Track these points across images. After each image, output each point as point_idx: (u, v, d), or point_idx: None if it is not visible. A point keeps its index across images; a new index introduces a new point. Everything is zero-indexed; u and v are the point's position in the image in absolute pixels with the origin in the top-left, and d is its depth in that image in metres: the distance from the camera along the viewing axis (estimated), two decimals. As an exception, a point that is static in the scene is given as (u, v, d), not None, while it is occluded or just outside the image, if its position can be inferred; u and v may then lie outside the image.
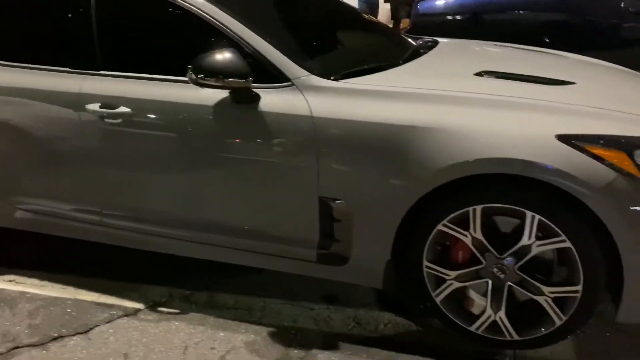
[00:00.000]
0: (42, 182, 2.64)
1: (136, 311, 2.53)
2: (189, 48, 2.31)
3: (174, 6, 2.34)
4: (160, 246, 2.57)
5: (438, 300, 2.18)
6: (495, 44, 3.19)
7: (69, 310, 2.54)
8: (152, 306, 2.56)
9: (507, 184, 1.94)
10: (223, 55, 2.13)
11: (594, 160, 1.83)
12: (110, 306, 2.56)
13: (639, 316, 1.97)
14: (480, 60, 2.75)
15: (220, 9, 2.28)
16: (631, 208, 1.83)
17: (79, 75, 2.50)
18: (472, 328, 2.15)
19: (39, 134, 2.54)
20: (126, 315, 2.50)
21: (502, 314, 2.08)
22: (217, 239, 2.44)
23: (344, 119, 2.10)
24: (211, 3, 2.30)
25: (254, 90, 2.21)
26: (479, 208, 1.99)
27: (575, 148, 1.85)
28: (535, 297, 2.02)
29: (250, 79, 2.14)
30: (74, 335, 2.37)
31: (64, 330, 2.39)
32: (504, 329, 2.09)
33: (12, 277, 2.80)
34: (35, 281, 2.76)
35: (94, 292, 2.67)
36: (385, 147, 2.05)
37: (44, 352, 2.27)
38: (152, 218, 2.52)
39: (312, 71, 2.21)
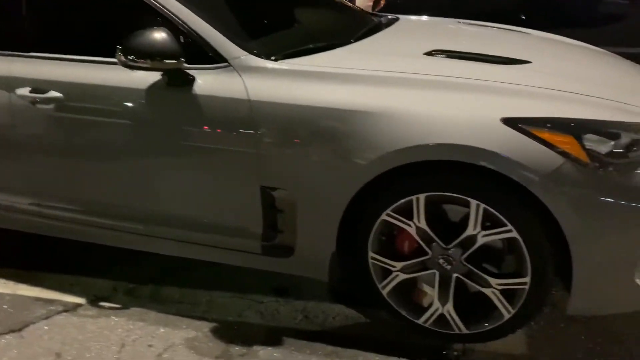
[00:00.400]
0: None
1: (76, 306, 2.41)
2: (121, 27, 2.16)
3: (104, -17, 2.18)
4: (98, 237, 2.45)
5: (385, 292, 2.07)
6: (465, 22, 3.04)
7: (5, 306, 2.42)
8: (94, 301, 2.44)
9: (450, 171, 1.83)
10: (152, 35, 1.99)
11: (541, 145, 1.72)
12: (51, 302, 2.44)
13: (589, 307, 1.88)
14: (436, 39, 2.61)
15: (152, -15, 2.13)
16: (579, 196, 1.72)
17: (7, 57, 2.34)
18: (420, 321, 2.05)
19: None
20: (65, 311, 2.38)
21: (449, 306, 1.98)
22: (157, 230, 2.32)
23: (283, 103, 1.97)
24: (142, -21, 2.14)
25: (188, 72, 2.07)
26: (422, 197, 1.88)
27: (521, 132, 1.73)
28: (483, 290, 1.92)
29: (182, 59, 2.00)
30: (7, 333, 2.25)
31: (-4, 328, 2.28)
32: (452, 322, 2.00)
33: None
34: (-27, 276, 2.63)
35: (36, 287, 2.54)
36: (325, 132, 1.93)
37: (-28, 352, 2.16)
38: (89, 208, 2.39)
39: (251, 51, 2.08)
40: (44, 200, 2.44)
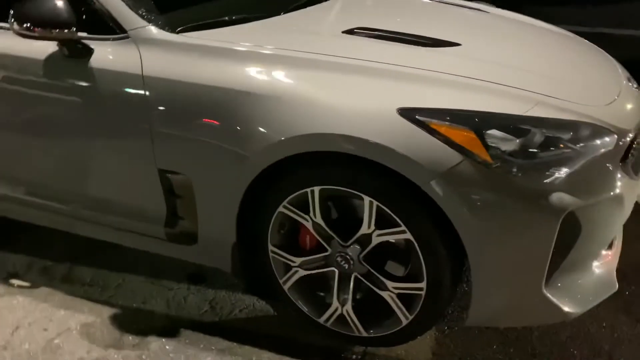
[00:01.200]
0: None
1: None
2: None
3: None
4: (13, 212, 2.35)
5: (286, 287, 1.94)
6: None
7: None
8: (5, 278, 2.36)
9: (343, 165, 1.66)
10: (45, 2, 1.84)
11: (437, 141, 1.54)
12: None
13: (489, 318, 1.73)
14: (371, 15, 2.38)
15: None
16: (478, 198, 1.54)
17: None
18: (321, 320, 1.92)
19: None
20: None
21: (348, 307, 1.85)
22: (65, 209, 2.21)
23: (176, 80, 1.81)
24: None
25: (85, 42, 1.92)
26: (317, 190, 1.73)
27: (417, 125, 1.55)
28: (380, 292, 1.78)
29: (74, 29, 1.85)
30: None
31: None
32: (351, 324, 1.86)
33: None
34: None
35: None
36: (218, 114, 1.77)
37: None
38: (5, 183, 2.29)
39: (154, 22, 1.91)
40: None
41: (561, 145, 1.59)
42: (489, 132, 1.54)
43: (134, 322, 2.09)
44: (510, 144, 1.53)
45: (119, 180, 2.04)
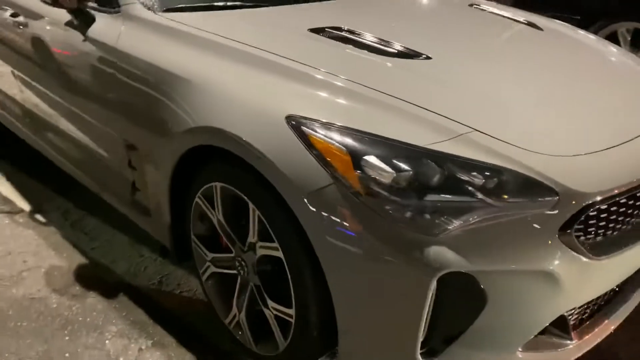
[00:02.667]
0: None
1: (20, 211, 2.70)
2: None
3: None
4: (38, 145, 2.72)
5: (202, 280, 1.91)
6: None
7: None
8: (31, 211, 2.70)
9: (239, 165, 1.56)
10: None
11: (312, 157, 1.36)
12: (7, 201, 2.78)
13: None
14: (362, 14, 2.17)
15: None
16: (341, 230, 1.34)
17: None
18: (225, 322, 1.85)
19: None
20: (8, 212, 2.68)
21: (242, 316, 1.75)
22: (57, 147, 2.54)
23: (137, 56, 1.88)
24: None
25: (90, 12, 2.09)
26: (218, 186, 1.66)
27: (298, 135, 1.40)
28: (263, 308, 1.65)
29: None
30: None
31: None
32: (244, 334, 1.77)
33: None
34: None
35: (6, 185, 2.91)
36: (161, 92, 1.79)
37: None
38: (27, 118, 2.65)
39: (148, 2, 2.00)
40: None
41: (466, 192, 1.30)
42: (366, 157, 1.32)
43: (89, 276, 2.23)
44: (386, 177, 1.30)
45: (100, 139, 2.19)
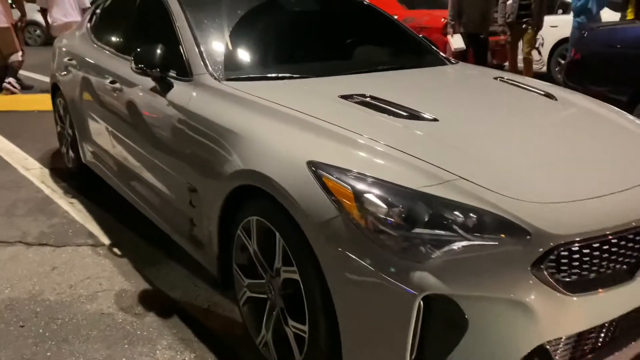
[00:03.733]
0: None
1: (101, 245, 3.17)
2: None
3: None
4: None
5: (240, 304, 2.22)
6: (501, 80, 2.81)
7: (70, 231, 3.33)
8: (111, 245, 3.16)
9: (270, 201, 1.89)
10: (149, 50, 2.55)
11: (323, 193, 1.68)
12: (93, 236, 3.27)
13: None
14: (386, 84, 2.54)
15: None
16: (346, 255, 1.62)
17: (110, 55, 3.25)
18: (257, 342, 2.13)
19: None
20: (92, 245, 3.16)
21: (270, 335, 2.03)
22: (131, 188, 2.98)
23: (204, 116, 2.31)
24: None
25: (169, 80, 2.58)
26: (254, 219, 2.00)
27: (314, 176, 1.72)
28: (285, 327, 1.93)
29: (161, 71, 2.53)
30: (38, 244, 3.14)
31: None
32: (271, 353, 2.04)
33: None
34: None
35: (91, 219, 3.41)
36: (218, 144, 2.18)
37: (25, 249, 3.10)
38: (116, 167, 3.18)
39: (211, 71, 2.46)
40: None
41: (449, 228, 1.56)
42: (366, 195, 1.61)
43: (151, 299, 2.60)
44: (381, 211, 1.58)
45: (170, 184, 2.61)
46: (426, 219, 1.57)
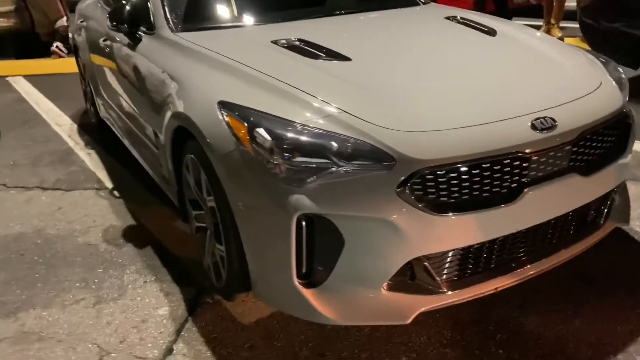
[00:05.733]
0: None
1: (104, 188, 3.56)
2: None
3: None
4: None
5: (192, 233, 2.51)
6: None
7: (82, 177, 3.75)
8: (112, 189, 3.54)
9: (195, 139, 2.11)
10: (119, 8, 2.82)
11: (227, 129, 1.89)
12: (99, 181, 3.66)
13: (265, 298, 1.97)
14: (323, 29, 2.68)
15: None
16: (241, 180, 1.85)
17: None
18: (204, 266, 2.42)
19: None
20: (96, 189, 3.55)
21: (209, 260, 2.31)
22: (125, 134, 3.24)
23: (153, 62, 2.57)
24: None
25: (139, 34, 2.84)
26: (189, 157, 2.24)
27: (220, 114, 1.93)
28: (216, 251, 2.20)
29: (127, 27, 2.79)
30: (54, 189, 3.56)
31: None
32: (211, 275, 2.32)
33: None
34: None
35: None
36: (165, 89, 2.41)
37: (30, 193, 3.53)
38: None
39: (170, 25, 2.69)
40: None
41: (325, 157, 1.74)
42: (257, 129, 1.81)
43: (132, 234, 2.95)
44: (268, 143, 1.78)
45: (143, 129, 2.89)
46: (306, 149, 1.75)
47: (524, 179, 1.84)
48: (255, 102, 1.92)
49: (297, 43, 2.33)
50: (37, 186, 3.67)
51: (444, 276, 1.90)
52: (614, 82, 2.22)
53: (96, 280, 2.54)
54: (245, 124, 1.84)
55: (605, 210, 2.26)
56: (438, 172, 1.73)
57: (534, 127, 1.84)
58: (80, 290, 2.47)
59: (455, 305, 2.05)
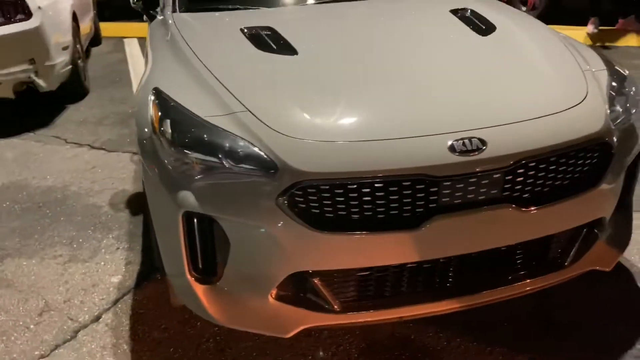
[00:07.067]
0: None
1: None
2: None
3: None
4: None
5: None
6: None
7: (128, 140, 4.04)
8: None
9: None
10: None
11: (150, 114, 1.91)
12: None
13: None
14: (306, 17, 2.58)
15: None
16: (151, 167, 1.86)
17: None
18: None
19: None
20: (132, 153, 3.81)
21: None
22: None
23: (148, 41, 2.67)
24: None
25: (155, 14, 2.96)
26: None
27: (151, 100, 1.96)
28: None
29: (141, 3, 2.93)
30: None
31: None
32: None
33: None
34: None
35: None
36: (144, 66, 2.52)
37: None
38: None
39: (173, 8, 2.76)
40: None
41: (216, 156, 1.70)
42: (165, 119, 1.82)
43: (136, 200, 3.13)
44: (167, 135, 1.78)
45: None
46: (200, 146, 1.72)
47: (432, 205, 1.65)
48: (182, 92, 1.92)
49: (262, 32, 2.26)
50: (88, 144, 4.03)
51: (340, 295, 1.78)
52: (602, 102, 1.87)
53: (80, 240, 2.75)
54: (159, 113, 1.86)
55: (574, 250, 1.94)
56: (322, 187, 1.61)
57: (452, 148, 1.63)
58: (62, 247, 2.70)
59: (375, 324, 1.94)
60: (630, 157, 1.91)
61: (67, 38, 4.76)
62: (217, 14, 2.68)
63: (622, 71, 2.11)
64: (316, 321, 1.77)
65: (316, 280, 1.74)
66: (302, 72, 1.98)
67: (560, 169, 1.75)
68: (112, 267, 2.52)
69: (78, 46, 5.22)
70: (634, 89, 2.03)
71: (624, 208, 2.03)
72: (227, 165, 1.67)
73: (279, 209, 1.62)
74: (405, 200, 1.63)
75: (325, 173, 1.59)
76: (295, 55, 2.06)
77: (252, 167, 1.65)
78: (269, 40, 2.18)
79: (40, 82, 4.36)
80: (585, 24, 6.23)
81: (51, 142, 4.10)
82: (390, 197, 1.62)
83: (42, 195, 3.27)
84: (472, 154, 1.63)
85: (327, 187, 1.60)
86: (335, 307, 1.76)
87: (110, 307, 2.26)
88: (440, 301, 1.81)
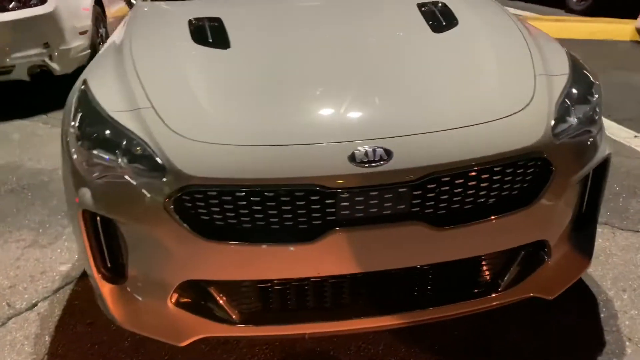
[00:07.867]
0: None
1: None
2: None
3: None
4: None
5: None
6: None
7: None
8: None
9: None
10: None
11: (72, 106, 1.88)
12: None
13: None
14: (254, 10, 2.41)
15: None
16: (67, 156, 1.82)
17: None
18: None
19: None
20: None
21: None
22: None
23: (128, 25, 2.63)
24: None
25: (133, 1, 2.94)
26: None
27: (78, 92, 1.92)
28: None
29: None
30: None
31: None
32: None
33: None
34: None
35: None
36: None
37: None
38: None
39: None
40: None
41: (114, 154, 1.63)
42: (77, 113, 1.78)
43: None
44: (75, 129, 1.74)
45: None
46: (101, 142, 1.67)
47: (330, 218, 1.52)
48: (103, 84, 1.87)
49: (208, 23, 2.17)
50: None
51: (242, 307, 1.69)
52: (545, 112, 1.66)
53: (47, 226, 2.79)
54: (75, 105, 1.82)
55: (510, 275, 1.75)
56: (209, 193, 1.51)
57: (352, 158, 1.49)
58: (29, 232, 2.75)
59: (292, 338, 1.85)
60: (579, 176, 1.70)
61: (85, 23, 4.85)
62: (186, 2, 2.61)
63: (590, 77, 1.88)
64: (214, 331, 1.69)
65: (212, 290, 1.66)
66: (223, 69, 1.88)
67: (482, 185, 1.57)
68: (65, 256, 2.53)
69: (102, 30, 5.32)
70: (597, 97, 1.80)
71: (579, 232, 1.82)
72: (122, 165, 1.61)
73: (165, 213, 1.54)
74: (299, 212, 1.51)
75: (211, 178, 1.50)
76: (226, 50, 1.96)
77: (142, 167, 1.58)
78: (208, 33, 2.10)
79: (54, 65, 4.47)
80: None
81: (58, 125, 4.18)
82: (283, 208, 1.51)
83: (30, 177, 3.35)
84: (372, 164, 1.48)
85: (215, 193, 1.51)
86: (234, 317, 1.68)
87: (48, 296, 2.27)
88: (349, 319, 1.69)
